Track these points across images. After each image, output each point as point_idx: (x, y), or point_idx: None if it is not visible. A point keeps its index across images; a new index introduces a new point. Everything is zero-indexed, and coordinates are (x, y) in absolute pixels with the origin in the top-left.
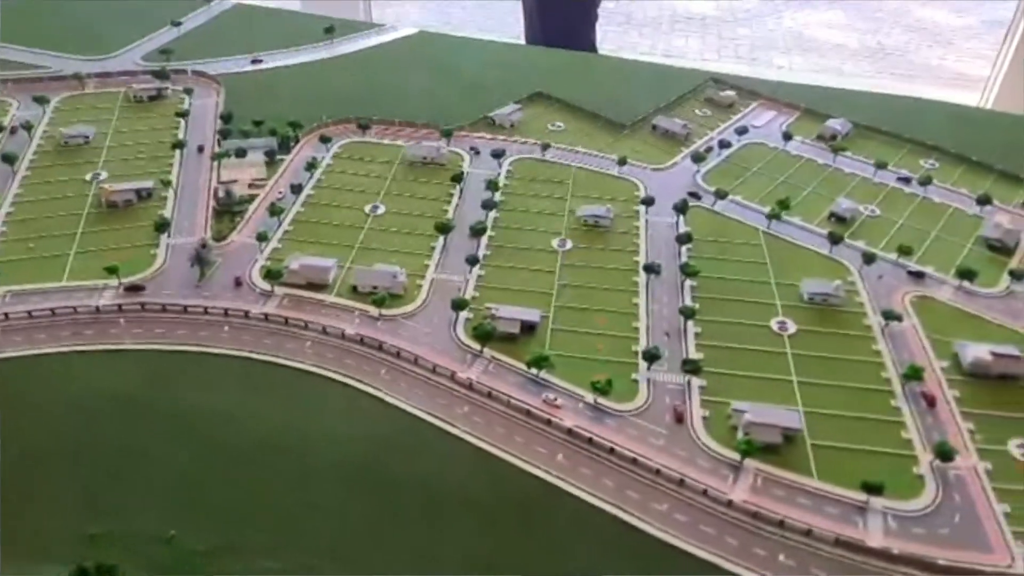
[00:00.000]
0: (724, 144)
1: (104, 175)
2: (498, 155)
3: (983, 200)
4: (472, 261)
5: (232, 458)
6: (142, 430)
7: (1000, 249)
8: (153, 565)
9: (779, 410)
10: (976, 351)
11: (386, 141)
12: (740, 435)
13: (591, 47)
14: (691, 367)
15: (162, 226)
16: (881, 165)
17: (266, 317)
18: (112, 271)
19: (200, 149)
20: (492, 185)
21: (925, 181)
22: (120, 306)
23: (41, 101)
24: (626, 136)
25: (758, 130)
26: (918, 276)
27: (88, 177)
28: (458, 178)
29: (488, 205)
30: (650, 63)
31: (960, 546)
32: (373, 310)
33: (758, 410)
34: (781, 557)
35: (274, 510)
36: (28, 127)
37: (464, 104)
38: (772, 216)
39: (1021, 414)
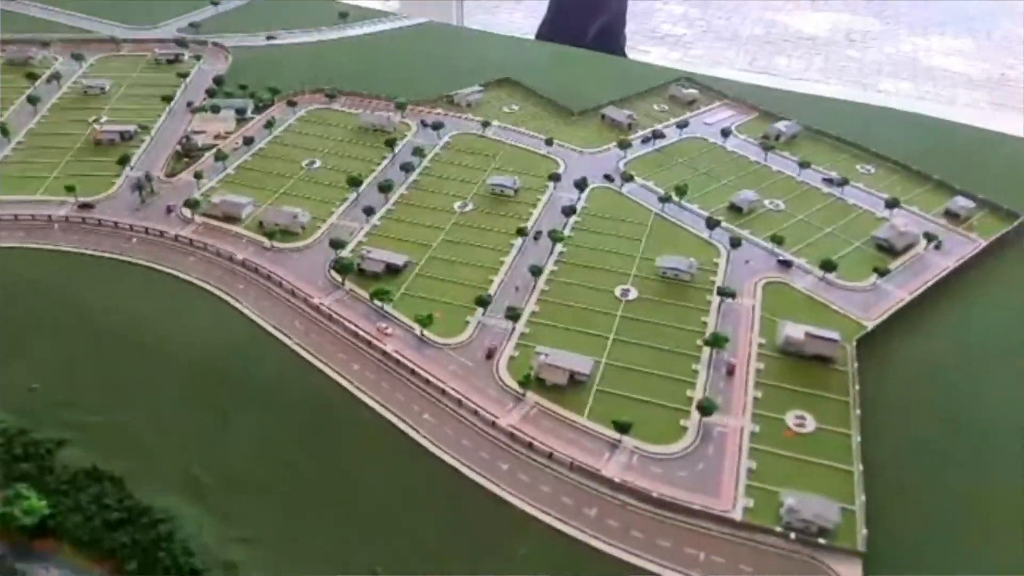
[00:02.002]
0: (658, 135)
1: (104, 119)
2: (437, 127)
3: (891, 203)
4: (368, 211)
5: (102, 339)
6: (43, 310)
7: (887, 249)
8: (15, 406)
9: (574, 356)
10: (791, 330)
11: (346, 109)
12: (532, 373)
13: (620, 49)
14: (511, 314)
15: (123, 160)
16: (804, 165)
17: (176, 238)
18: (70, 189)
19: (189, 105)
20: (418, 151)
21: (842, 182)
22: (67, 217)
23: (78, 58)
24: (573, 122)
25: (710, 127)
26: (786, 264)
27: (91, 119)
28: (391, 143)
29: (406, 168)
30: (634, 61)
31: (689, 487)
32: (267, 242)
33: (555, 354)
34: (520, 474)
35: (116, 381)
36: (57, 77)
37: (436, 84)
38: (664, 200)
39: (812, 390)
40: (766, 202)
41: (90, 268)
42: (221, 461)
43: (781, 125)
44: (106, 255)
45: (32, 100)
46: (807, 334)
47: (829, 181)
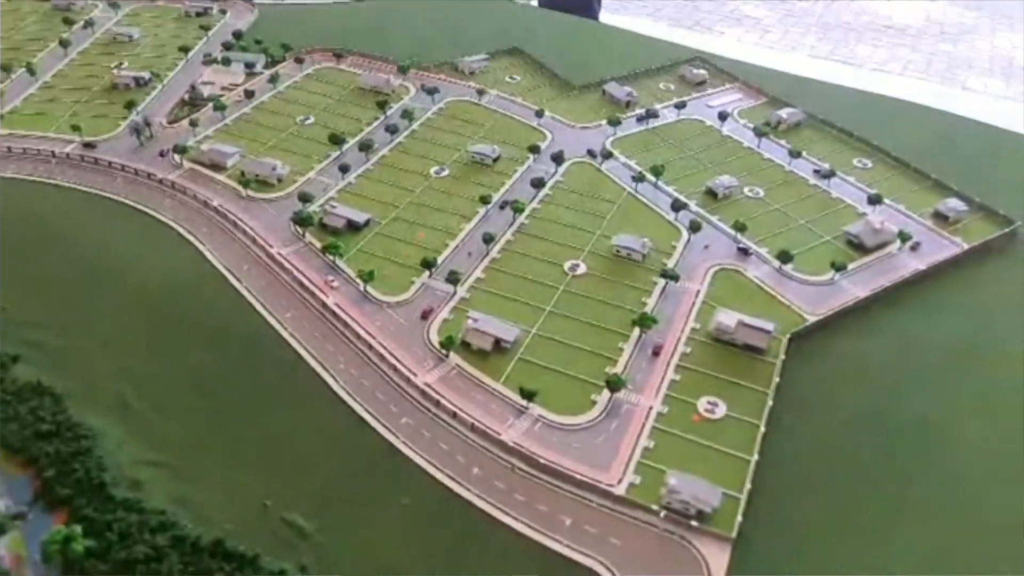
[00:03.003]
0: (652, 114)
1: (125, 64)
2: (432, 92)
3: (874, 200)
4: (344, 169)
5: (74, 268)
6: (27, 237)
7: (857, 246)
8: None
9: (501, 323)
10: (724, 317)
11: (352, 69)
12: (460, 336)
13: (592, 14)
14: (452, 278)
15: (130, 104)
16: (795, 154)
17: (160, 181)
18: (76, 129)
19: (206, 56)
20: (407, 114)
21: (829, 174)
22: (68, 154)
23: (114, 7)
24: (573, 96)
25: (710, 110)
26: (745, 252)
27: (114, 65)
28: (383, 105)
29: (391, 129)
30: (649, 37)
31: (582, 458)
32: (243, 191)
33: (484, 320)
34: (423, 430)
35: (78, 307)
36: (91, 24)
37: (448, 50)
38: (637, 179)
39: (732, 378)
40: (745, 189)
41: (78, 203)
42: (152, 388)
43: (783, 112)
44: (94, 192)
45: (64, 43)
46: (739, 322)
47: (818, 172)
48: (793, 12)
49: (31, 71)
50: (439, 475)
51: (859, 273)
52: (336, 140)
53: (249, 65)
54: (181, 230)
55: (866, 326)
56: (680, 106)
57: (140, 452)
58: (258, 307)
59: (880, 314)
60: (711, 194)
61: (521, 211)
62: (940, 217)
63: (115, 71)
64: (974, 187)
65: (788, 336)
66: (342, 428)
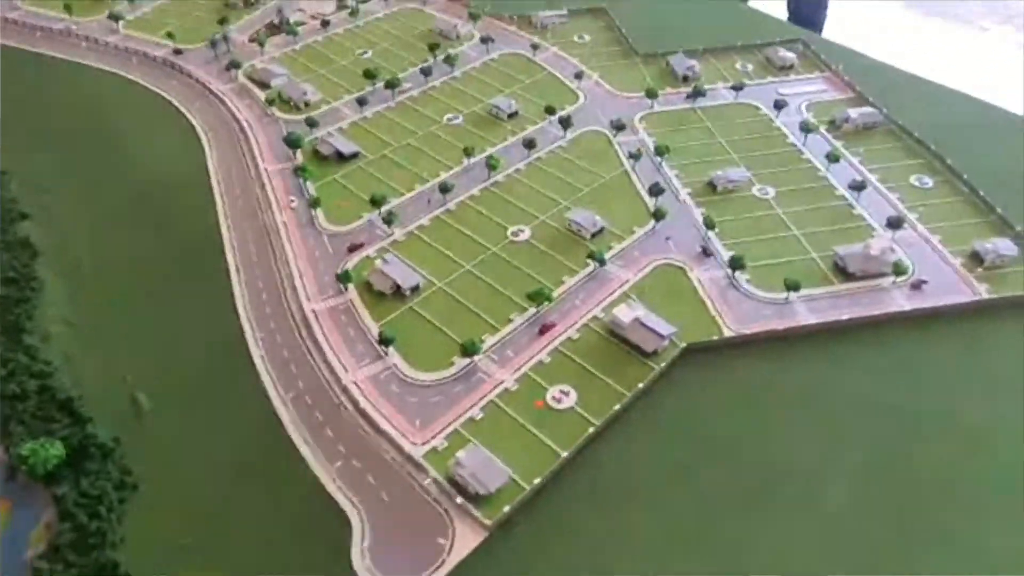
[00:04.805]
0: (698, 92)
1: None
2: (485, 41)
3: (894, 223)
4: (361, 102)
5: (106, 147)
6: (81, 117)
7: (841, 270)
8: (25, 183)
9: (408, 270)
10: (622, 312)
11: (429, 11)
12: (365, 275)
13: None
14: (387, 218)
15: (222, 21)
16: (833, 158)
17: (210, 90)
18: (170, 36)
19: None
20: (448, 60)
21: (859, 187)
22: (155, 57)
23: None
24: (634, 63)
25: (785, 96)
26: (706, 253)
27: None
28: (433, 47)
29: (425, 72)
30: (763, 13)
31: (406, 414)
32: (268, 109)
33: (394, 263)
34: (284, 351)
35: (94, 180)
36: None
37: (538, 4)
38: (634, 156)
39: (601, 375)
40: (755, 188)
41: (134, 95)
42: (104, 259)
43: (855, 111)
44: (152, 89)
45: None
46: (636, 320)
47: (854, 183)
48: None
49: None
50: (273, 394)
51: (827, 299)
52: (369, 75)
53: None
54: (200, 133)
55: (789, 356)
56: (738, 88)
57: (63, 312)
58: (220, 209)
59: (816, 348)
60: (711, 186)
61: (495, 168)
62: (975, 258)
63: None
64: None
65: (685, 345)
66: (222, 331)
